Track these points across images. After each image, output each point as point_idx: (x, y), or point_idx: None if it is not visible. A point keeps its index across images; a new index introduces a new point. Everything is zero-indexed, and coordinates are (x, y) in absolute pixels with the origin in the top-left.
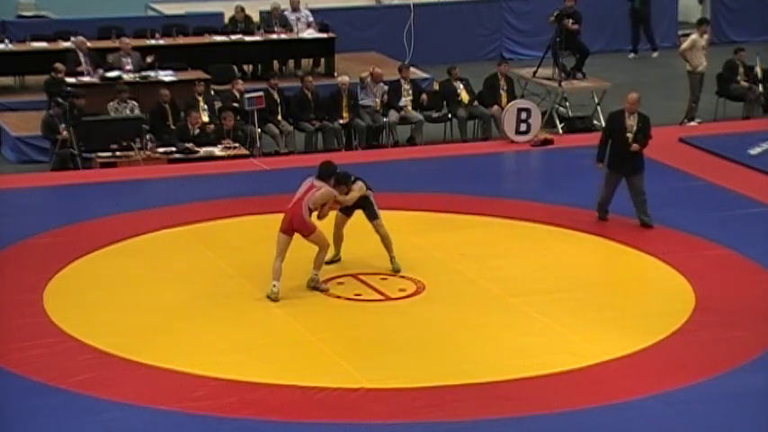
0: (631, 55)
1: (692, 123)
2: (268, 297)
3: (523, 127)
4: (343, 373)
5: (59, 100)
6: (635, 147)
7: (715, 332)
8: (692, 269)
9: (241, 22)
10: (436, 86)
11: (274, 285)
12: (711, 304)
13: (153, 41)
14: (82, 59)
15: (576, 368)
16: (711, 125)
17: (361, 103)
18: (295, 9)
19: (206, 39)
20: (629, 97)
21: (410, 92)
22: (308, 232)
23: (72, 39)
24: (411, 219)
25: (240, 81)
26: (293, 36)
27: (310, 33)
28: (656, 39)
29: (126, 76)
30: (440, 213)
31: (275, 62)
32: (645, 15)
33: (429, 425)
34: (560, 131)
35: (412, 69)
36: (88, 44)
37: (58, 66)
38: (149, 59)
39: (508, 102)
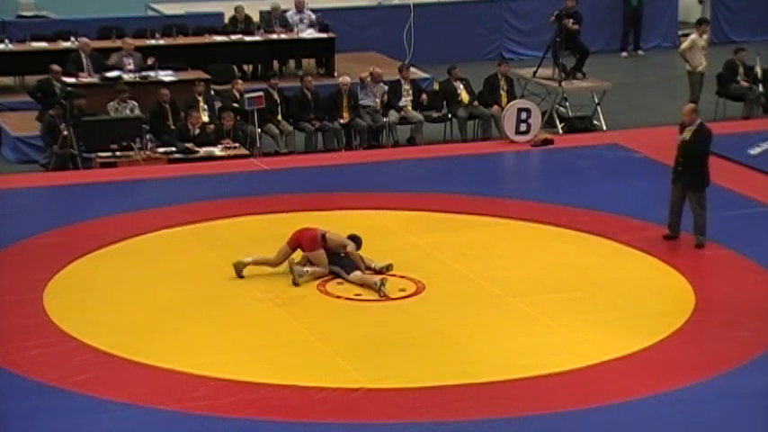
0: (624, 53)
1: None
2: (234, 265)
3: (523, 127)
4: (343, 373)
5: (62, 101)
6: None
7: (715, 332)
8: (692, 269)
9: (241, 22)
10: (436, 86)
11: (248, 260)
12: (711, 304)
13: (153, 41)
14: (84, 62)
15: (576, 368)
16: (711, 125)
17: (361, 103)
18: (300, 10)
19: (206, 39)
20: (682, 109)
21: (410, 92)
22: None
23: (77, 40)
24: (411, 219)
25: (240, 81)
26: (293, 36)
27: (310, 33)
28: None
29: (126, 76)
30: (439, 213)
31: (275, 62)
32: (641, 16)
33: (429, 425)
34: (560, 131)
35: (412, 69)
36: (92, 46)
37: (54, 67)
38: (150, 61)
39: (508, 102)
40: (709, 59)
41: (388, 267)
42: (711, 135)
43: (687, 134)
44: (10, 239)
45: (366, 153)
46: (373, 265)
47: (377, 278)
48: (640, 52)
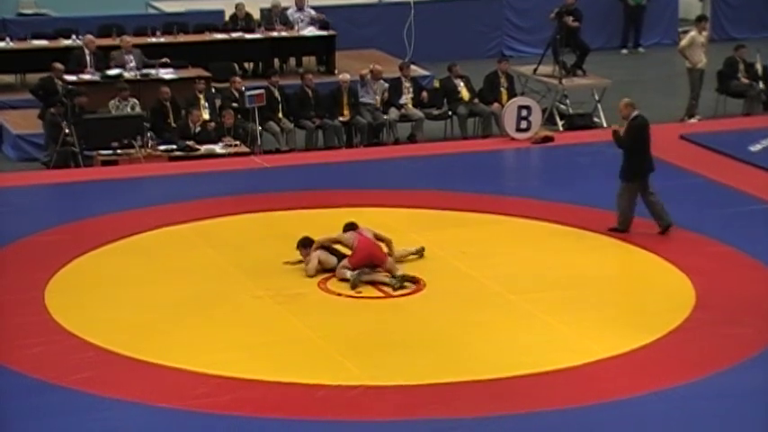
0: (624, 51)
1: (693, 120)
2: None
3: (524, 124)
4: (343, 371)
5: (63, 99)
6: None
7: (715, 329)
8: (693, 266)
9: (242, 19)
10: (437, 84)
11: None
12: (712, 301)
13: (153, 39)
14: (87, 59)
15: (577, 365)
16: (712, 122)
17: (361, 100)
18: (300, 8)
19: (206, 36)
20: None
21: (411, 89)
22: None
23: (80, 38)
24: (411, 216)
25: (238, 79)
26: (294, 34)
27: (311, 31)
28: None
29: (127, 74)
30: (440, 211)
31: (276, 60)
32: (642, 13)
33: (430, 422)
34: (561, 129)
35: (412, 67)
36: (97, 43)
37: (57, 65)
38: (163, 61)
39: (508, 99)
40: (710, 56)
41: (422, 250)
42: (640, 127)
43: (624, 126)
44: (11, 237)
45: (367, 150)
46: (412, 250)
47: (391, 277)
48: (641, 49)
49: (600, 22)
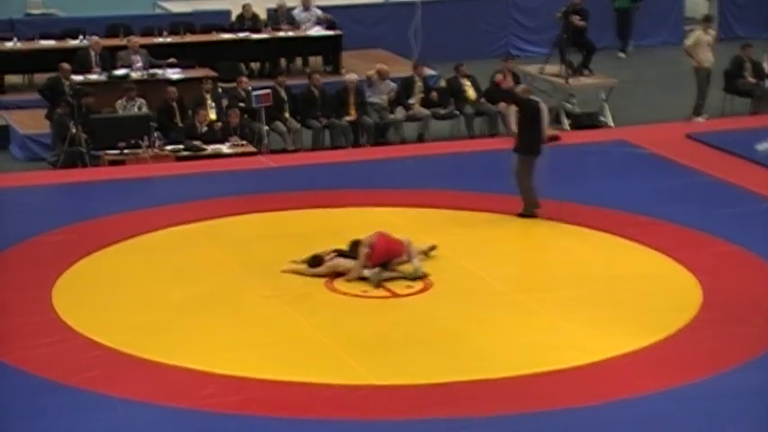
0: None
1: (700, 119)
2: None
3: None
4: (349, 370)
5: (69, 99)
6: None
7: (722, 329)
8: (700, 265)
9: (248, 19)
10: (443, 83)
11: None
12: (718, 301)
13: (160, 39)
14: (93, 60)
15: (584, 364)
16: (718, 121)
17: (368, 100)
18: (306, 8)
19: (213, 36)
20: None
21: (422, 88)
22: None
23: (86, 39)
24: (418, 216)
25: (245, 79)
26: (300, 33)
27: (317, 31)
28: (631, 41)
29: (134, 74)
30: (446, 210)
31: (282, 60)
32: (629, 16)
33: (436, 421)
34: (567, 128)
35: None
36: (103, 44)
37: (64, 65)
38: (170, 61)
39: None
40: (717, 55)
41: (433, 248)
42: (520, 103)
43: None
44: (18, 237)
45: (373, 150)
46: (424, 248)
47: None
48: (622, 54)
49: (606, 22)
